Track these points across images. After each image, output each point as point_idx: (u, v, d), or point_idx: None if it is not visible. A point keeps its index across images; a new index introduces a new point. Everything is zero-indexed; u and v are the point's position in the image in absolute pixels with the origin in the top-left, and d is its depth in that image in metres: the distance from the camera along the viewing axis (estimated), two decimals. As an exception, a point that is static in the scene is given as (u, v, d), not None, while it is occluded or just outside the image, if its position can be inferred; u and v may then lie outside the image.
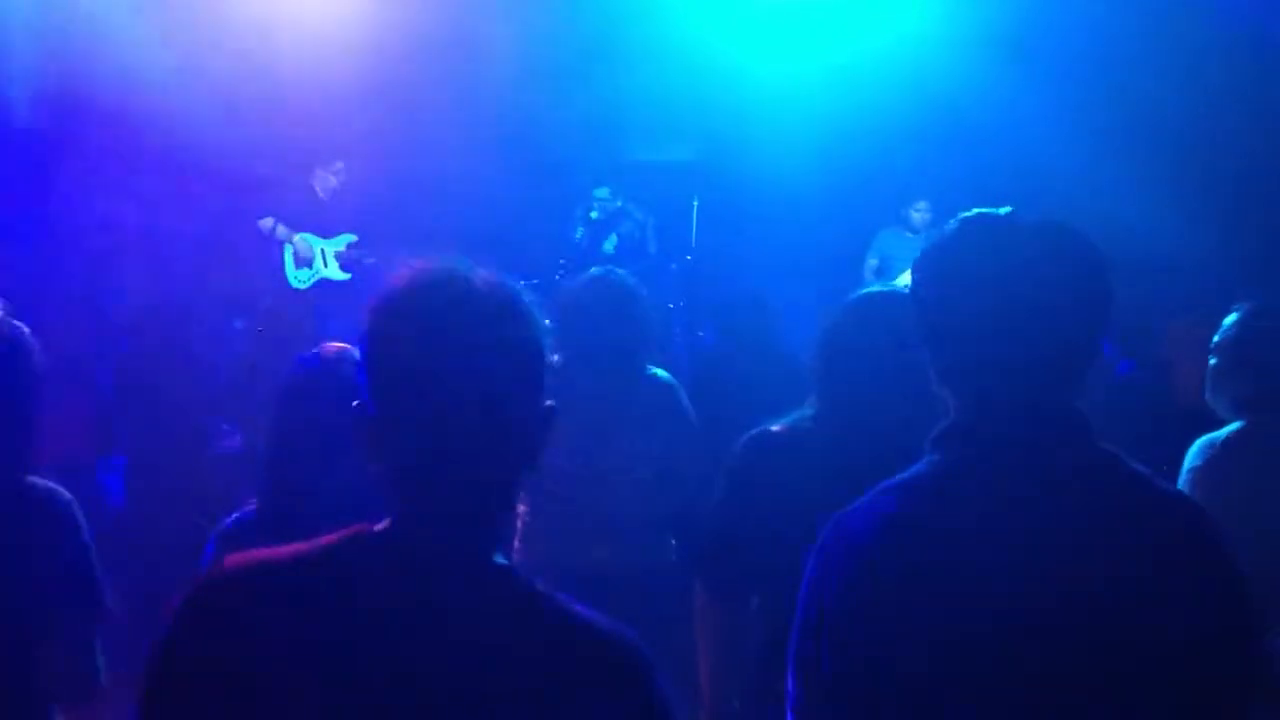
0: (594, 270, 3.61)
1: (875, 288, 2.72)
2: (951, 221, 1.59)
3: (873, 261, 8.02)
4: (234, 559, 1.35)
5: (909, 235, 7.90)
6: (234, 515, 2.42)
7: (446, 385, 1.28)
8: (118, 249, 7.06)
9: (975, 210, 1.59)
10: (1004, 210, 1.58)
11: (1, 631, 2.16)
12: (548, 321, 1.41)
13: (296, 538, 1.37)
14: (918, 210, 7.87)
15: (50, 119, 7.09)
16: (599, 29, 7.72)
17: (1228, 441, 2.78)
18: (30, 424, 2.25)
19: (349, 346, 2.41)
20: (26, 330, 2.29)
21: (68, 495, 2.28)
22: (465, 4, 7.45)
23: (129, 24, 6.80)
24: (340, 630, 1.27)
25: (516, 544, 3.46)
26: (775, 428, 2.53)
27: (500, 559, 1.34)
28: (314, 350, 2.46)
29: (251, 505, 2.43)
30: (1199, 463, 2.76)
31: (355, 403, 1.35)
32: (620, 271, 3.60)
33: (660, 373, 3.54)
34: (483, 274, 1.35)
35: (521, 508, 3.47)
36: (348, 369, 2.35)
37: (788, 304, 5.89)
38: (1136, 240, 4.92)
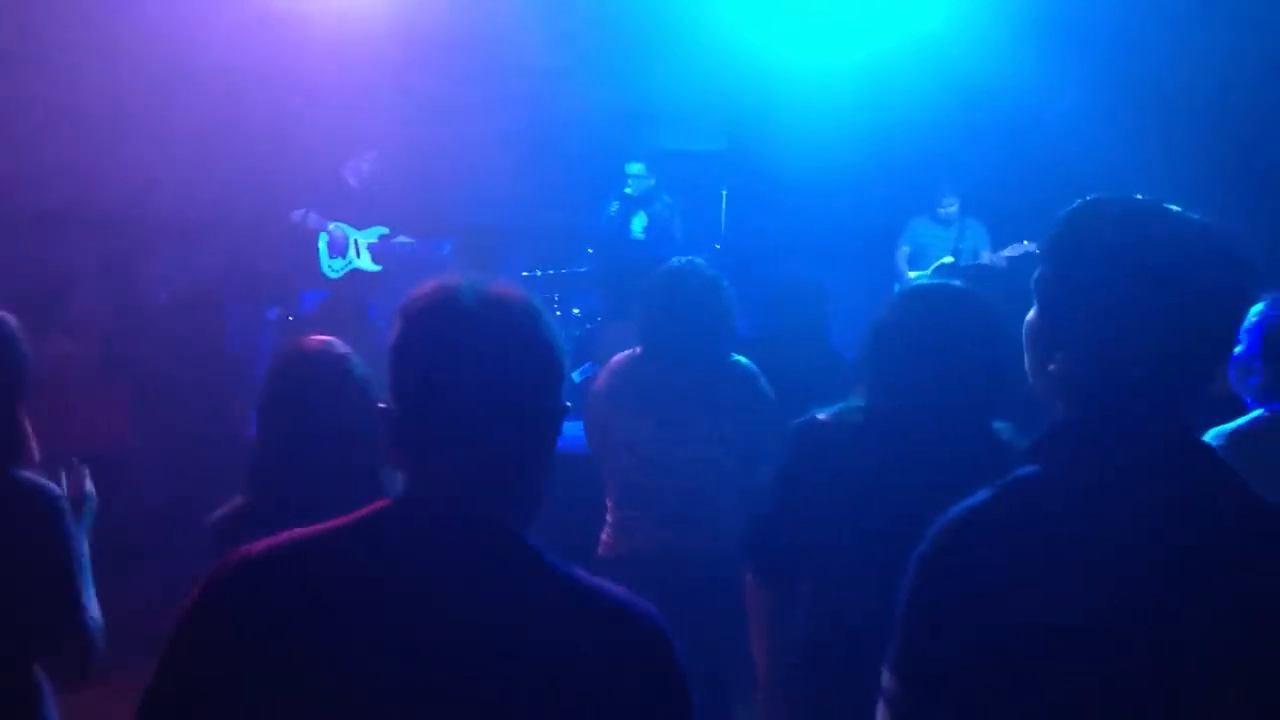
0: (675, 260, 3.60)
1: (925, 280, 2.68)
2: (1085, 209, 1.51)
3: (905, 249, 8.10)
4: (254, 545, 1.37)
5: (940, 226, 8.00)
6: (222, 510, 2.42)
7: (468, 381, 1.38)
8: (151, 238, 7.09)
9: (1113, 199, 1.50)
10: (1140, 198, 1.50)
11: None
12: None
13: (290, 525, 1.40)
14: (944, 207, 7.97)
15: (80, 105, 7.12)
16: (629, 19, 7.71)
17: (1246, 430, 2.73)
18: (14, 416, 2.22)
19: (333, 340, 2.48)
20: (11, 319, 2.26)
21: (55, 490, 2.24)
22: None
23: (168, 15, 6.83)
24: (364, 603, 1.31)
25: (605, 536, 3.50)
26: (822, 416, 2.53)
27: (517, 533, 1.39)
28: (295, 343, 2.49)
29: (238, 499, 2.43)
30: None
31: (380, 404, 1.43)
32: (700, 261, 3.60)
33: (741, 359, 3.56)
34: (503, 285, 1.45)
35: (610, 501, 3.52)
36: (333, 359, 2.41)
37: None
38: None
